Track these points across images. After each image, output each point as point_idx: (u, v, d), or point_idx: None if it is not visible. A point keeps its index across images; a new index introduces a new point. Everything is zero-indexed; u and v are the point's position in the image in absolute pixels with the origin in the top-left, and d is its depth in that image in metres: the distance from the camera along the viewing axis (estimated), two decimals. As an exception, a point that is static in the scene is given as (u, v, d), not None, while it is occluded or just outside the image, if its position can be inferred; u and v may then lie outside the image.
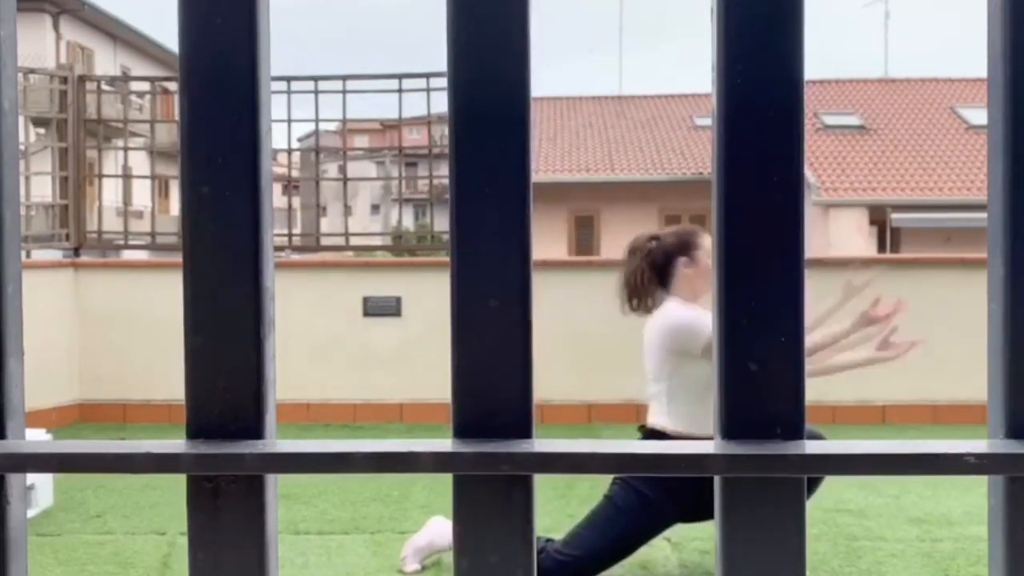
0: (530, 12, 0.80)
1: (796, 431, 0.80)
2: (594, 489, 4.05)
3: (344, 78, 6.03)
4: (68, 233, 6.15)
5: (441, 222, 6.20)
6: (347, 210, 7.21)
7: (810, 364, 2.70)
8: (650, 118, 22.58)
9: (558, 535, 3.45)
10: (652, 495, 2.77)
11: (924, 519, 3.66)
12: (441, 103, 6.34)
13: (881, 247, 18.61)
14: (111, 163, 13.36)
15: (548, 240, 19.10)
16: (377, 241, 8.13)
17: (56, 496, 3.88)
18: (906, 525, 3.60)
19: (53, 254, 6.45)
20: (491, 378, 0.81)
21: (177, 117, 1.01)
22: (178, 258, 0.84)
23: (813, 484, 2.83)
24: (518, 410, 0.81)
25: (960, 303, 5.43)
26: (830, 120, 20.50)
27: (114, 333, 5.75)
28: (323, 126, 6.28)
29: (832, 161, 19.17)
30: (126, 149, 6.43)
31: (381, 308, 5.76)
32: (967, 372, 5.00)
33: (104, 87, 6.58)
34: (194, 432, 0.82)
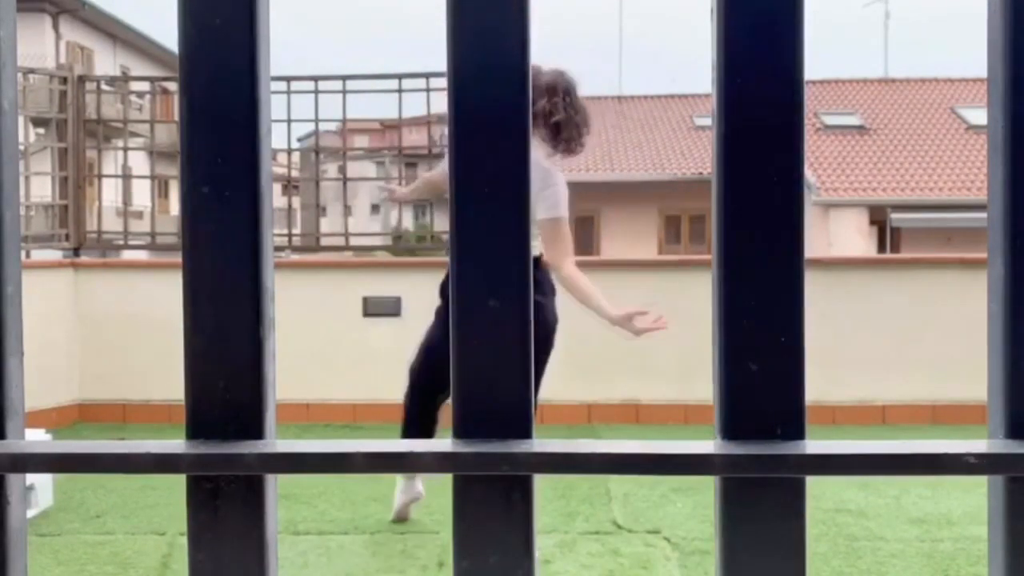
0: (530, 12, 0.80)
1: (796, 431, 0.80)
2: (594, 489, 4.05)
3: (344, 78, 6.02)
4: (68, 233, 6.14)
5: (441, 222, 6.19)
6: (347, 210, 7.21)
7: (577, 291, 3.11)
8: (650, 118, 22.57)
9: (558, 535, 3.45)
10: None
11: (924, 519, 3.66)
12: (441, 103, 6.34)
13: (881, 247, 18.61)
14: (111, 163, 13.34)
15: (548, 240, 19.05)
16: (377, 241, 8.11)
17: (56, 496, 3.88)
18: (906, 525, 3.60)
19: (53, 254, 6.44)
20: (491, 378, 0.81)
21: (177, 117, 1.01)
22: (178, 258, 0.83)
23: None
24: (518, 410, 0.81)
25: (960, 303, 5.44)
26: (830, 120, 20.50)
27: (113, 333, 5.75)
28: (323, 126, 6.27)
29: (832, 161, 19.16)
30: (126, 149, 6.42)
31: (381, 308, 5.76)
32: (967, 372, 5.00)
33: (104, 87, 6.58)
34: (194, 432, 0.82)
